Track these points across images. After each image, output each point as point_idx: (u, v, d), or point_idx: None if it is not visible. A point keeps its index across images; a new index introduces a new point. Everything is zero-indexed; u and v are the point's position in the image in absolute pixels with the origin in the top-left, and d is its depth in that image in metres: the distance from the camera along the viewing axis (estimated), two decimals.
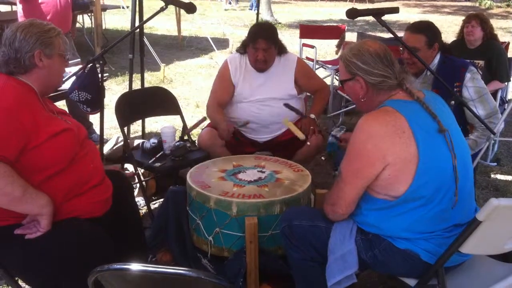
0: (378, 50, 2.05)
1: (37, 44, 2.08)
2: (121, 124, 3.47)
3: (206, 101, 3.63)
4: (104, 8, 9.81)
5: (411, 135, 1.91)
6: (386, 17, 2.92)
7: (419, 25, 3.16)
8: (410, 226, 1.98)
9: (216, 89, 3.60)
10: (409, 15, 15.27)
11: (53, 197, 2.03)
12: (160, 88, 4.09)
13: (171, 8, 3.59)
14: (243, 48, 3.58)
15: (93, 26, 8.97)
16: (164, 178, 3.78)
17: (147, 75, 7.23)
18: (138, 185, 3.51)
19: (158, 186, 3.79)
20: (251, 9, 16.71)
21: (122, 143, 4.02)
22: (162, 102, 3.80)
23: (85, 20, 10.21)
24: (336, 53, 6.97)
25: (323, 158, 2.41)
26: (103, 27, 9.74)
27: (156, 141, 3.45)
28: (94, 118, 4.57)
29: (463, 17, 4.82)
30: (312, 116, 3.56)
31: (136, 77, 4.84)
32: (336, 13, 17.60)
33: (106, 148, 4.07)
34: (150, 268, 1.43)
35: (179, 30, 10.41)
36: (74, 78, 3.14)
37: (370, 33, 10.07)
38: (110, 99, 5.22)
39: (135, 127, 5.02)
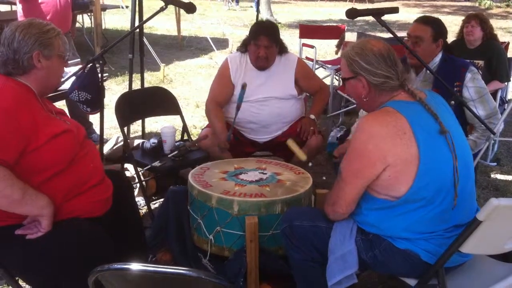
0: (382, 50, 2.04)
1: (35, 45, 2.06)
2: (121, 124, 3.47)
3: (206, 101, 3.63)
4: (104, 8, 9.81)
5: (412, 136, 1.90)
6: (386, 17, 2.92)
7: (428, 18, 3.18)
8: (410, 226, 1.98)
9: (215, 87, 3.59)
10: (408, 15, 15.26)
11: (53, 197, 2.03)
12: (160, 88, 4.09)
13: (171, 8, 3.59)
14: (244, 47, 3.58)
15: (92, 26, 8.96)
16: (164, 178, 3.78)
17: (147, 75, 7.23)
18: (138, 185, 3.51)
19: (158, 186, 3.79)
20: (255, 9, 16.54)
21: (122, 143, 4.02)
22: (162, 102, 3.79)
23: (84, 20, 10.21)
24: (336, 53, 6.97)
25: (310, 164, 2.40)
26: (103, 27, 9.74)
27: (156, 141, 3.45)
28: (94, 118, 4.57)
29: (463, 17, 4.83)
30: (312, 116, 3.56)
31: (136, 77, 4.84)
32: (336, 13, 17.61)
33: (106, 148, 4.07)
34: (150, 268, 1.43)
35: (179, 30, 10.41)
36: (74, 78, 3.14)
37: (370, 33, 10.08)
38: (110, 99, 5.23)
39: (135, 127, 5.02)
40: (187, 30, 11.56)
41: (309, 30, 7.29)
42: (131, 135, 4.76)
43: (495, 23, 9.12)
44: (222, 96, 3.53)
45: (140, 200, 3.52)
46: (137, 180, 3.47)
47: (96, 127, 4.62)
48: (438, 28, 3.07)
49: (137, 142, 4.07)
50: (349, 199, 2.02)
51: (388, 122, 1.93)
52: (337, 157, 2.50)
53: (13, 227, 2.02)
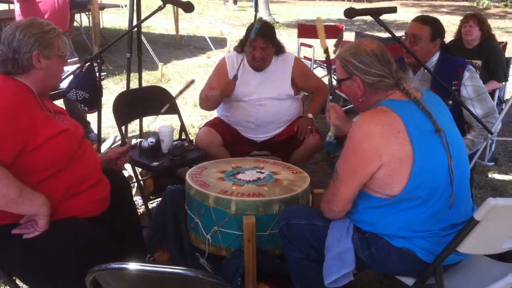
0: (375, 49, 2.06)
1: (35, 45, 2.05)
2: (119, 123, 3.47)
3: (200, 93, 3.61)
4: (102, 7, 9.81)
5: (406, 135, 1.91)
6: (384, 17, 2.92)
7: (426, 17, 3.19)
8: (406, 224, 1.99)
9: (211, 83, 3.58)
10: (406, 14, 15.28)
11: (51, 197, 2.03)
12: (158, 87, 4.08)
13: (169, 7, 3.59)
14: (241, 47, 3.58)
15: (91, 25, 8.95)
16: (162, 178, 3.78)
17: (145, 74, 7.22)
18: (136, 184, 3.51)
19: (156, 186, 3.79)
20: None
21: (119, 142, 4.01)
22: (160, 101, 3.79)
23: (82, 19, 10.19)
24: (334, 52, 6.96)
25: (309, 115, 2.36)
26: (101, 26, 9.73)
27: (154, 140, 3.45)
28: (91, 117, 4.56)
29: (461, 17, 4.83)
30: (310, 115, 3.57)
31: (134, 76, 4.84)
32: (334, 12, 17.62)
33: (104, 147, 4.07)
34: (148, 267, 1.43)
35: (177, 29, 10.41)
36: (71, 77, 3.14)
37: (368, 32, 10.09)
38: (108, 98, 5.22)
39: (133, 126, 5.02)
40: (185, 29, 11.55)
41: (307, 30, 7.30)
42: (129, 134, 4.75)
43: (493, 23, 9.13)
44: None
45: (138, 200, 3.52)
46: (135, 180, 3.47)
47: (94, 126, 4.61)
48: (436, 28, 3.08)
49: (134, 141, 4.07)
50: (345, 197, 2.03)
51: (383, 121, 1.93)
52: (339, 138, 2.51)
53: (11, 226, 2.02)
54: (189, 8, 3.26)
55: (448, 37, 3.27)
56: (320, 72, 6.32)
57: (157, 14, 3.28)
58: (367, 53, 2.05)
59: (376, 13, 2.83)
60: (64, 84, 3.25)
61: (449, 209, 1.97)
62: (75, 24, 8.68)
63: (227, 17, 15.36)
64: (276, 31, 3.62)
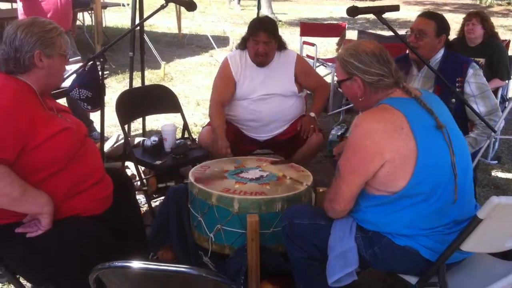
0: (374, 49, 2.07)
1: (37, 44, 2.05)
2: (122, 122, 3.47)
3: (206, 99, 3.63)
4: (105, 6, 9.80)
5: (410, 131, 1.91)
6: (387, 15, 2.92)
7: (432, 13, 3.21)
8: (410, 222, 1.99)
9: (217, 86, 3.58)
10: (409, 13, 15.25)
11: (54, 195, 2.03)
12: (160, 86, 4.09)
13: (172, 5, 3.59)
14: (243, 44, 3.58)
15: (93, 23, 8.96)
16: (165, 176, 3.78)
17: (148, 73, 7.22)
18: (139, 182, 3.51)
19: (159, 184, 3.79)
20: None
21: (122, 141, 4.02)
22: (163, 100, 3.79)
23: (85, 18, 10.19)
24: (337, 51, 6.96)
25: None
26: (104, 25, 9.74)
27: (156, 139, 3.45)
28: (94, 116, 4.57)
29: (464, 15, 4.82)
30: (312, 114, 3.56)
31: (137, 75, 4.84)
32: (337, 11, 17.58)
33: (107, 146, 4.07)
34: (152, 265, 1.44)
35: (179, 28, 10.41)
36: (74, 76, 3.14)
37: (370, 31, 10.06)
38: (111, 97, 5.21)
39: (136, 125, 5.02)
40: (187, 28, 11.55)
41: (310, 28, 7.28)
42: (132, 133, 4.76)
43: (496, 21, 9.11)
44: (226, 94, 3.52)
45: (141, 198, 3.52)
46: (137, 178, 3.47)
47: (97, 125, 4.62)
48: (442, 23, 3.09)
49: (137, 140, 4.07)
50: (347, 196, 2.03)
51: (386, 118, 1.94)
52: (335, 155, 2.51)
53: (14, 225, 2.03)
54: (191, 6, 3.26)
55: (451, 35, 3.27)
56: (322, 70, 6.31)
57: (159, 12, 3.28)
58: (366, 53, 2.06)
59: (378, 11, 2.83)
60: (67, 83, 3.26)
61: (452, 206, 1.97)
62: (78, 23, 8.69)
63: (230, 15, 15.35)
64: (279, 29, 3.62)
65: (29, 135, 1.96)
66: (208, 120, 3.71)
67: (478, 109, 3.01)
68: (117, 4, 11.21)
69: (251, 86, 3.49)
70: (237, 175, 2.73)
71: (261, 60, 3.47)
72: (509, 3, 21.13)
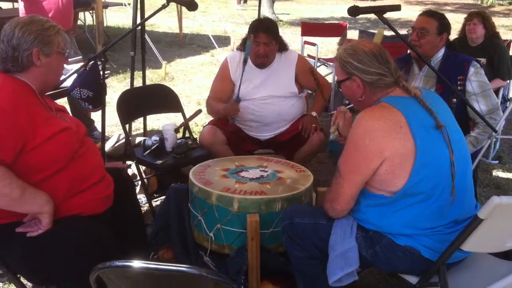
0: (373, 49, 2.07)
1: (35, 42, 2.03)
2: (123, 121, 3.47)
3: (206, 100, 3.63)
4: (106, 6, 9.80)
5: (408, 130, 1.91)
6: (388, 15, 2.92)
7: (433, 11, 3.22)
8: (410, 222, 1.98)
9: (215, 86, 3.60)
10: (410, 12, 15.24)
11: (54, 195, 2.03)
12: (161, 85, 4.09)
13: (173, 5, 3.58)
14: (244, 45, 3.57)
15: (94, 23, 8.96)
16: (165, 176, 3.78)
17: (149, 72, 7.22)
18: (139, 182, 3.51)
19: (160, 184, 3.79)
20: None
21: (123, 140, 4.02)
22: (164, 99, 3.80)
23: (86, 18, 10.19)
24: (338, 50, 6.96)
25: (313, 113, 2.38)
26: (105, 25, 9.73)
27: (157, 138, 3.45)
28: (95, 116, 4.57)
29: (465, 15, 4.82)
30: (313, 114, 3.56)
31: (138, 75, 4.84)
32: (338, 10, 17.58)
33: (108, 146, 4.08)
34: (152, 265, 1.44)
35: (180, 28, 10.40)
36: (75, 75, 3.14)
37: (371, 30, 10.06)
38: (112, 97, 5.22)
39: (137, 125, 5.02)
40: (188, 28, 11.55)
41: (311, 28, 7.29)
42: (133, 133, 4.76)
43: (497, 21, 9.09)
44: (223, 94, 3.53)
45: (141, 198, 3.52)
46: (138, 178, 3.47)
47: (98, 125, 4.62)
48: (443, 22, 3.10)
49: (138, 139, 4.08)
50: (348, 195, 2.03)
51: (385, 116, 1.94)
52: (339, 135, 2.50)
53: (14, 224, 2.02)
54: (192, 6, 3.26)
55: (452, 35, 3.27)
56: (323, 70, 6.31)
57: (160, 12, 3.29)
58: (365, 52, 2.06)
59: (379, 11, 2.83)
60: (68, 83, 3.26)
61: (451, 205, 1.97)
62: (79, 22, 8.69)
63: (231, 15, 15.34)
64: (280, 29, 3.62)
65: (28, 135, 1.96)
66: (208, 119, 3.71)
67: (479, 108, 3.01)
68: (119, 4, 11.21)
69: (250, 88, 3.49)
70: (238, 174, 2.73)
71: (262, 61, 3.47)
72: (510, 3, 21.11)
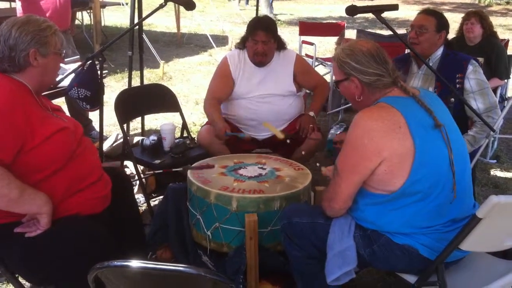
0: (370, 49, 2.07)
1: (32, 43, 2.03)
2: (121, 121, 3.47)
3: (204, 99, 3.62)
4: (103, 5, 9.79)
5: (407, 129, 1.91)
6: (386, 14, 2.92)
7: (432, 10, 3.23)
8: (408, 220, 1.99)
9: (214, 84, 3.58)
10: (408, 12, 15.26)
11: (53, 195, 2.03)
12: (159, 85, 4.08)
13: (170, 5, 3.58)
14: (242, 44, 3.57)
15: (92, 23, 8.94)
16: (163, 175, 3.78)
17: (146, 72, 7.22)
18: (137, 182, 3.51)
19: (158, 183, 3.79)
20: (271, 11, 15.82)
21: (121, 140, 4.02)
22: (162, 99, 3.79)
23: (84, 17, 10.18)
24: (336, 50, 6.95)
25: (318, 164, 2.45)
26: (102, 24, 9.73)
27: (155, 138, 3.45)
28: (93, 115, 4.56)
29: (463, 15, 4.83)
30: (311, 113, 3.56)
31: (135, 74, 4.84)
32: (336, 10, 17.59)
33: (106, 145, 4.07)
34: (150, 265, 1.43)
35: (178, 27, 10.39)
36: (73, 75, 3.14)
37: (369, 30, 10.06)
38: (109, 96, 5.22)
39: (135, 124, 5.02)
40: (186, 27, 11.54)
41: (309, 27, 7.29)
42: (131, 132, 4.75)
43: (495, 20, 9.12)
44: (222, 93, 3.52)
45: (139, 197, 3.52)
46: (136, 177, 3.47)
47: (96, 124, 4.62)
48: (442, 20, 3.11)
49: (136, 139, 4.07)
50: (346, 194, 2.03)
51: (383, 116, 1.94)
52: (337, 143, 2.52)
53: (13, 225, 2.02)
54: (190, 6, 3.25)
55: (450, 35, 3.28)
56: (321, 69, 6.31)
57: (158, 12, 3.28)
58: (362, 52, 2.06)
59: (377, 10, 2.83)
60: (65, 82, 3.25)
61: (450, 204, 1.97)
62: (77, 22, 8.68)
63: (229, 15, 15.34)
64: (278, 29, 3.62)
65: (27, 136, 1.95)
66: (206, 119, 3.71)
67: (477, 106, 3.02)
68: (116, 4, 11.20)
69: (249, 86, 3.49)
70: (236, 172, 2.73)
71: (260, 59, 3.46)
72: (508, 3, 21.14)
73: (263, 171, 2.76)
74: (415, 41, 3.07)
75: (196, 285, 1.48)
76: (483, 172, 4.44)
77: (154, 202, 3.63)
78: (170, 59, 8.69)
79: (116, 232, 2.24)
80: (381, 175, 1.94)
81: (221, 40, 10.45)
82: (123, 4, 10.59)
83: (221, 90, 3.52)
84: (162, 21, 12.57)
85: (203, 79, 7.41)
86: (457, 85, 3.02)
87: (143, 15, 3.78)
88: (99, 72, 3.07)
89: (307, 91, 3.90)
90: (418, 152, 1.90)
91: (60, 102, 4.26)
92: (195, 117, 5.71)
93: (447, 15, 3.36)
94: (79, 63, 3.46)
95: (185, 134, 3.83)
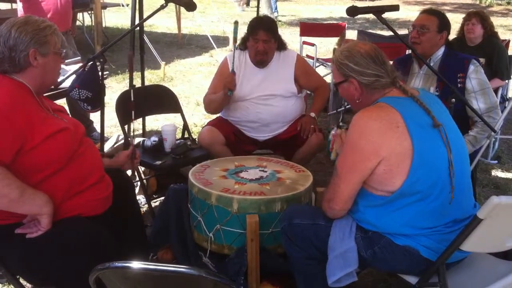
0: (369, 50, 2.08)
1: (32, 42, 2.03)
2: (122, 122, 3.47)
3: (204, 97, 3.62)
4: (104, 6, 9.79)
5: (405, 129, 1.92)
6: (386, 15, 2.92)
7: (434, 9, 3.24)
8: (409, 221, 1.99)
9: (215, 85, 3.58)
10: (409, 12, 15.25)
11: (53, 196, 2.03)
12: (160, 86, 4.08)
13: (171, 5, 3.59)
14: (243, 44, 3.58)
15: (93, 24, 8.95)
16: (165, 176, 3.78)
17: (148, 73, 7.22)
18: (139, 183, 3.51)
19: (159, 184, 3.79)
20: (274, 12, 15.68)
21: (122, 141, 4.02)
22: (162, 100, 3.79)
23: (85, 18, 10.19)
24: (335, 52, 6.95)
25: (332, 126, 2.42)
26: (103, 25, 9.73)
27: (156, 139, 3.45)
28: (94, 116, 4.57)
29: (463, 15, 4.83)
30: (312, 114, 3.56)
31: (137, 75, 4.83)
32: (336, 11, 17.57)
33: (107, 146, 4.07)
34: (152, 266, 1.43)
35: (179, 28, 10.40)
36: (74, 76, 3.14)
37: (370, 30, 10.06)
38: (110, 97, 5.22)
39: (136, 125, 5.01)
40: (187, 28, 11.54)
41: (310, 28, 7.29)
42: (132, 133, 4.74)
43: (495, 20, 9.10)
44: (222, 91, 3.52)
45: (141, 199, 3.52)
46: (137, 178, 3.47)
47: (97, 125, 4.62)
48: (443, 20, 3.12)
49: (137, 140, 4.07)
50: (345, 195, 2.03)
51: (381, 116, 1.94)
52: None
53: (14, 225, 2.02)
54: (191, 6, 3.25)
55: (451, 35, 3.28)
56: (322, 70, 6.31)
57: (159, 13, 3.28)
58: (361, 54, 2.07)
59: (378, 11, 2.83)
60: (66, 83, 3.26)
61: (450, 204, 1.97)
62: (78, 23, 8.69)
63: (230, 16, 15.33)
64: (279, 29, 3.62)
65: (26, 136, 1.95)
66: (207, 120, 3.71)
67: (478, 106, 3.02)
68: (117, 5, 11.19)
69: (250, 88, 3.49)
70: (237, 175, 2.73)
71: (261, 58, 3.46)
72: (508, 3, 21.12)
73: (264, 174, 2.76)
74: (417, 40, 3.07)
75: (197, 286, 1.48)
76: (484, 173, 4.44)
77: (155, 203, 3.63)
78: (171, 60, 8.69)
79: (117, 233, 2.24)
80: (380, 174, 1.94)
81: (222, 41, 10.45)
82: (124, 5, 10.59)
83: (221, 89, 3.51)
84: (163, 22, 12.57)
85: (204, 80, 7.41)
86: (459, 85, 3.02)
87: (144, 16, 3.78)
88: (100, 73, 3.07)
89: (308, 92, 3.90)
90: (416, 152, 1.90)
91: (62, 103, 4.26)
92: (196, 118, 5.71)
93: (448, 15, 3.36)
94: (80, 64, 3.47)
95: (186, 135, 3.83)
